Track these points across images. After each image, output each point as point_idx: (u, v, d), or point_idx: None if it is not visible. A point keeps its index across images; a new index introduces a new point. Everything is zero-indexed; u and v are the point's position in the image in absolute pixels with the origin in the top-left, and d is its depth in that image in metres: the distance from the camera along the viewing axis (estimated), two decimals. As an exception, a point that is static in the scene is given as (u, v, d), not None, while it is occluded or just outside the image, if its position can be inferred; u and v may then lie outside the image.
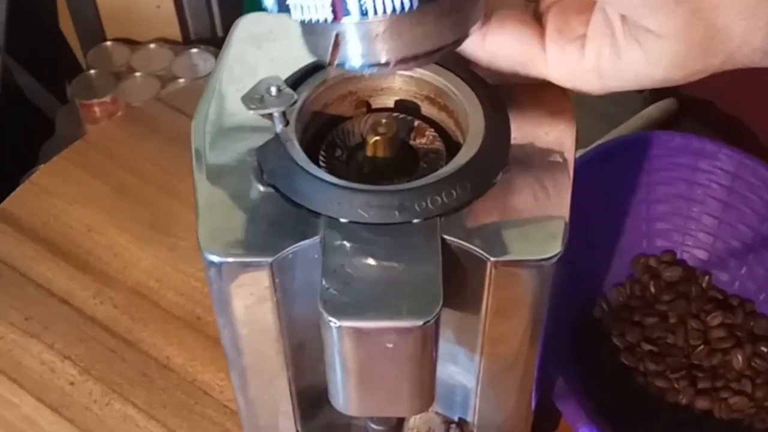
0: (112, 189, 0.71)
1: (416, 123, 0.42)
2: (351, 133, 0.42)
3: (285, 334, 0.39)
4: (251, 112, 0.38)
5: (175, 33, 1.56)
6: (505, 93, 0.40)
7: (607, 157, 0.62)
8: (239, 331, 0.39)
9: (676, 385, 0.57)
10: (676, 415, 0.56)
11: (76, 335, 0.62)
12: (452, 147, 0.41)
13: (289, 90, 0.38)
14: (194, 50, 1.51)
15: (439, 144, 0.41)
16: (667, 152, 0.62)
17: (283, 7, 0.33)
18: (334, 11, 0.31)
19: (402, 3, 0.31)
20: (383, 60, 0.34)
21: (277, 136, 0.39)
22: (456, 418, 0.45)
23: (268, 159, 0.38)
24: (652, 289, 0.62)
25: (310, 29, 0.34)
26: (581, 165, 0.60)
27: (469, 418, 0.44)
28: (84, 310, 0.64)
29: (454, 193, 0.37)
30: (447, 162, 0.39)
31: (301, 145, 0.39)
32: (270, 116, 0.39)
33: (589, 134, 0.69)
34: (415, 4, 0.32)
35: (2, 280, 0.65)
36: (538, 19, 0.37)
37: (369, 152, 0.40)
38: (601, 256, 0.64)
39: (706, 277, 0.63)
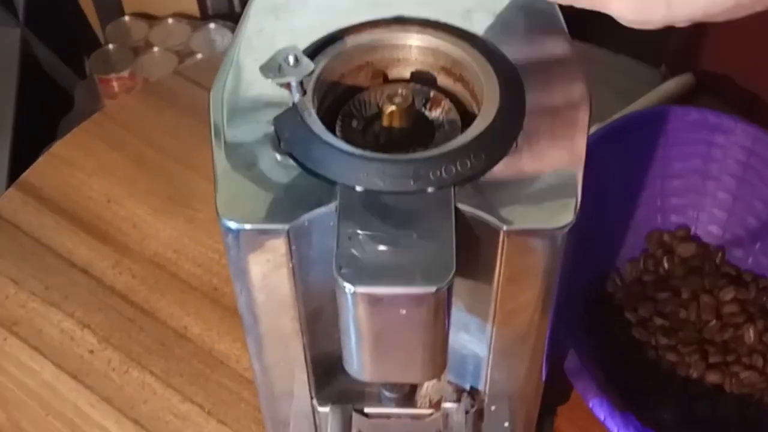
0: (131, 161, 0.72)
1: (432, 94, 0.42)
2: (367, 103, 0.42)
3: (300, 300, 0.40)
4: (269, 81, 0.39)
5: (193, 8, 1.56)
6: (521, 65, 0.40)
7: (622, 132, 0.62)
8: (256, 298, 0.40)
9: (688, 359, 0.57)
10: (686, 389, 0.56)
11: (95, 304, 0.63)
12: (468, 118, 0.41)
13: (306, 59, 0.39)
14: (212, 25, 1.51)
15: (454, 114, 0.42)
16: (683, 127, 0.62)
17: None
18: None
19: None
20: None
21: (294, 105, 0.39)
22: (467, 387, 0.45)
23: (285, 128, 0.39)
24: (666, 264, 0.63)
25: None
26: (597, 139, 0.61)
27: (480, 387, 0.45)
28: (103, 280, 0.65)
29: (469, 162, 0.37)
30: (462, 132, 0.39)
31: (318, 114, 0.39)
32: (288, 85, 0.39)
33: (605, 109, 0.69)
34: None
35: (23, 249, 0.66)
36: None
37: (385, 122, 0.40)
38: (615, 231, 0.64)
39: (720, 253, 0.63)
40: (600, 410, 0.50)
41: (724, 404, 0.56)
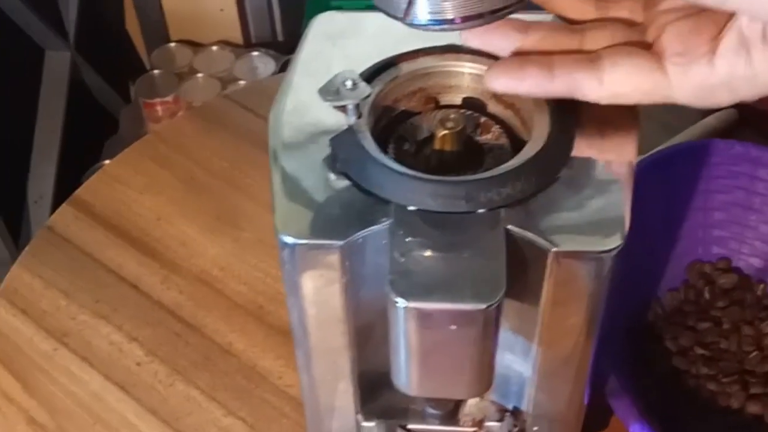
0: (180, 181, 0.74)
1: (482, 119, 0.43)
2: (420, 127, 0.43)
3: (351, 315, 0.41)
4: (326, 104, 0.40)
5: (237, 36, 1.60)
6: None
7: (665, 164, 0.63)
8: (307, 311, 0.41)
9: (728, 389, 0.57)
10: (726, 419, 0.57)
11: (143, 318, 0.65)
12: (517, 144, 0.42)
13: (363, 83, 0.40)
14: (255, 53, 1.55)
15: (504, 140, 0.43)
16: (726, 160, 0.63)
17: None
18: None
19: None
20: (450, 17, 0.35)
21: (350, 127, 0.41)
22: (510, 407, 0.46)
23: (341, 148, 0.40)
24: (707, 295, 0.63)
25: None
26: (640, 170, 0.61)
27: (523, 408, 0.46)
28: (151, 295, 0.66)
29: (519, 185, 0.38)
30: (511, 158, 0.40)
31: (372, 136, 0.41)
32: (344, 108, 0.41)
33: (648, 142, 0.69)
34: None
35: (75, 263, 0.68)
36: (645, 47, 0.38)
37: (437, 146, 0.42)
38: (657, 261, 0.65)
39: (762, 285, 0.63)
40: (640, 436, 0.50)
41: (764, 436, 0.56)
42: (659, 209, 0.63)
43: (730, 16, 0.36)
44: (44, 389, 0.61)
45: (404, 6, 0.35)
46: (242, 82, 1.51)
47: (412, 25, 0.36)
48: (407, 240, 0.37)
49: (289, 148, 0.41)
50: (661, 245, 0.64)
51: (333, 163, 0.40)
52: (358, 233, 0.38)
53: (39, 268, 0.68)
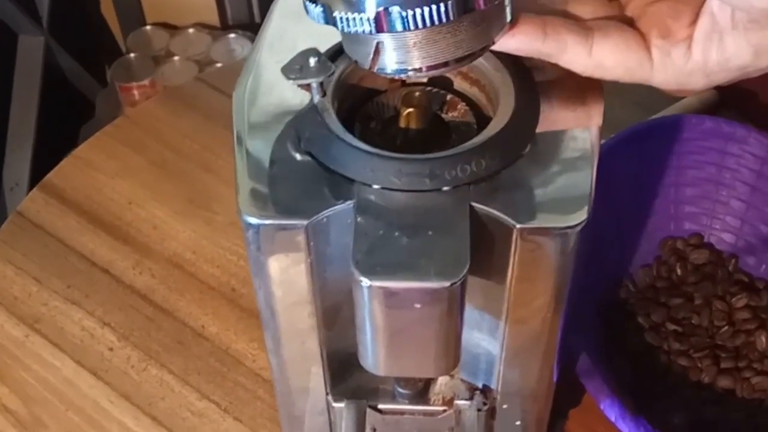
0: (152, 164, 0.73)
1: (449, 97, 0.43)
2: (385, 105, 0.43)
3: (318, 296, 0.41)
4: (290, 83, 0.40)
5: (214, 18, 1.58)
6: (536, 69, 0.41)
7: (636, 140, 0.63)
8: (274, 293, 0.41)
9: (699, 364, 0.58)
10: (698, 393, 0.57)
11: (115, 303, 0.64)
12: (483, 120, 0.42)
13: (327, 61, 0.40)
14: (232, 35, 1.53)
15: (470, 117, 0.42)
16: (697, 136, 0.63)
17: (329, 20, 0.35)
18: (377, 25, 0.33)
19: (439, 17, 0.33)
20: (417, 66, 0.36)
21: (314, 106, 0.40)
22: (480, 385, 0.46)
23: (305, 127, 0.40)
24: (679, 271, 0.63)
25: (352, 37, 0.36)
26: (611, 147, 0.61)
27: (493, 386, 0.46)
28: (123, 280, 0.66)
29: (483, 162, 0.38)
30: (477, 135, 0.40)
31: (337, 115, 0.40)
32: (308, 86, 0.40)
33: (625, 122, 0.69)
34: (451, 17, 0.33)
35: (46, 249, 0.68)
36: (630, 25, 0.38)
37: (402, 123, 0.41)
38: (628, 238, 0.65)
39: (733, 260, 0.63)
40: (611, 411, 0.50)
41: (735, 409, 0.56)
42: (631, 186, 0.63)
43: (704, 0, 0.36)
44: (16, 376, 0.61)
45: (371, 57, 0.36)
46: (219, 65, 1.50)
47: (380, 72, 0.36)
48: (371, 219, 0.37)
49: (252, 128, 0.41)
50: (632, 222, 0.65)
51: (297, 142, 0.40)
52: (323, 213, 0.38)
53: (10, 254, 0.67)
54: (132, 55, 1.51)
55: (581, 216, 0.37)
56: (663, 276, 0.63)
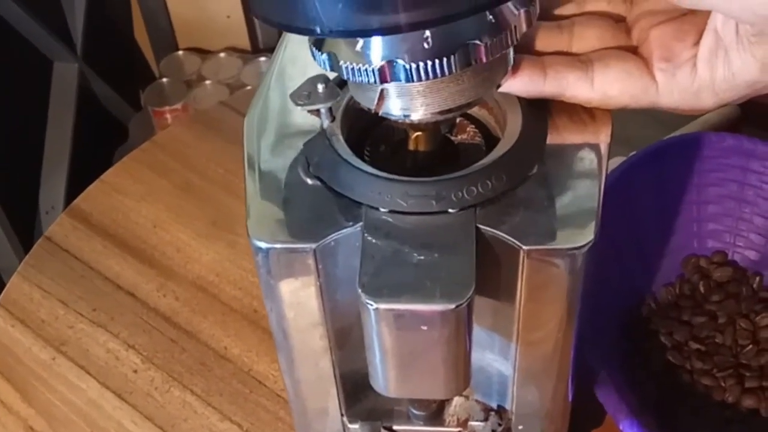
0: (177, 188, 0.74)
1: (458, 119, 0.43)
2: (394, 129, 0.43)
3: (328, 318, 0.41)
4: (299, 108, 0.41)
5: (244, 42, 1.60)
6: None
7: (657, 158, 0.62)
8: (285, 315, 0.41)
9: (723, 384, 0.57)
10: (721, 413, 0.56)
11: (140, 326, 0.65)
12: (493, 142, 0.42)
13: (335, 87, 0.40)
14: (262, 59, 1.55)
15: (479, 139, 0.43)
16: (718, 153, 0.63)
17: (335, 68, 0.36)
18: (381, 76, 0.34)
19: (442, 70, 0.34)
20: (421, 113, 0.37)
21: (323, 131, 0.41)
22: (495, 406, 0.46)
23: (314, 152, 0.40)
24: (702, 289, 0.62)
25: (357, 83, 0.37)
26: (632, 164, 0.61)
27: (507, 406, 0.46)
28: (148, 302, 0.67)
29: (490, 184, 0.38)
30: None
31: (347, 140, 0.41)
32: (317, 112, 0.41)
33: (646, 140, 0.69)
34: (453, 71, 0.34)
35: (73, 273, 0.69)
36: (632, 50, 0.39)
37: (411, 146, 0.42)
38: (650, 256, 0.64)
39: (757, 278, 0.63)
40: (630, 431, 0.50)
41: (760, 429, 0.56)
42: (652, 204, 0.63)
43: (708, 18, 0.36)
44: (42, 398, 0.62)
45: (375, 102, 0.37)
46: (249, 88, 1.52)
47: (385, 115, 0.38)
48: (378, 241, 0.37)
49: (263, 152, 0.42)
50: (654, 240, 0.64)
51: (306, 166, 0.40)
52: (331, 236, 0.38)
53: (38, 278, 0.69)
54: (165, 79, 1.54)
55: (588, 236, 0.37)
56: (686, 294, 0.63)
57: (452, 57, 0.34)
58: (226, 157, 0.76)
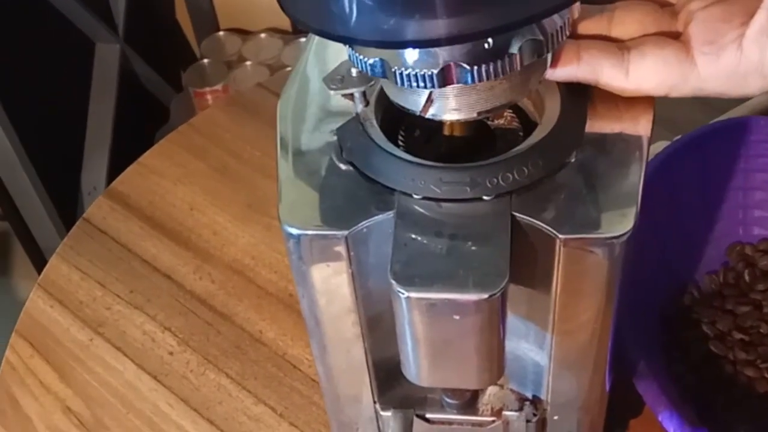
0: (214, 170, 0.74)
1: (494, 104, 0.42)
2: (430, 113, 0.42)
3: (360, 305, 0.40)
4: (332, 92, 0.40)
5: (285, 23, 1.60)
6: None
7: (701, 143, 0.61)
8: (317, 302, 0.41)
9: (766, 375, 0.55)
10: (764, 405, 0.55)
11: (176, 308, 0.65)
12: (530, 128, 0.41)
13: (369, 71, 0.40)
14: (303, 39, 1.54)
15: (516, 124, 0.42)
16: (765, 138, 0.61)
17: (387, 74, 0.35)
18: (444, 80, 0.34)
19: (500, 71, 0.34)
20: (470, 113, 0.37)
21: (356, 115, 0.40)
22: (530, 396, 0.45)
23: (347, 138, 0.40)
24: (747, 278, 0.61)
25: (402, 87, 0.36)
26: (676, 150, 0.60)
27: (542, 397, 0.45)
28: (184, 285, 0.67)
29: (526, 170, 0.37)
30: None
31: (381, 125, 0.40)
32: (351, 96, 0.40)
33: (691, 123, 0.67)
34: (517, 67, 0.34)
35: (111, 255, 0.69)
36: (674, 35, 0.37)
37: (446, 131, 0.41)
38: (694, 244, 0.63)
39: (805, 267, 0.61)
40: (669, 423, 0.49)
41: (805, 423, 0.54)
42: (696, 190, 0.61)
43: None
44: (80, 378, 0.62)
45: (422, 105, 0.36)
46: (290, 69, 1.51)
47: (432, 117, 0.37)
48: (410, 229, 0.36)
49: (296, 136, 0.41)
50: (698, 227, 0.63)
51: (339, 152, 0.40)
52: (363, 222, 0.37)
53: (76, 259, 0.69)
54: (205, 60, 1.54)
55: (628, 225, 0.36)
56: (730, 283, 0.61)
57: (513, 57, 0.33)
58: (262, 140, 0.76)
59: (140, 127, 1.50)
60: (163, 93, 1.57)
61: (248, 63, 1.54)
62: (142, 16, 1.51)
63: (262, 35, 1.58)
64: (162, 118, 1.55)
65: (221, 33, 1.60)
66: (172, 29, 1.64)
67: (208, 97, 1.52)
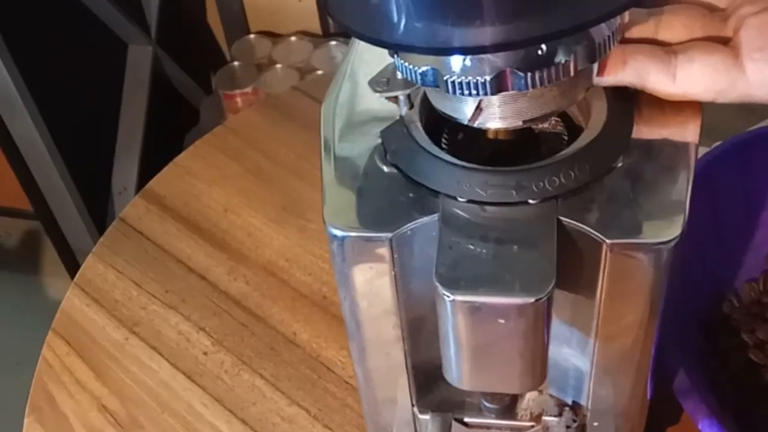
0: (249, 172, 0.75)
1: (539, 107, 0.42)
2: (474, 116, 0.42)
3: (402, 308, 0.40)
4: (377, 94, 0.40)
5: (315, 26, 1.60)
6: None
7: (743, 149, 0.60)
8: (359, 304, 0.41)
9: (807, 386, 0.55)
10: (805, 416, 0.54)
11: (210, 308, 0.66)
12: (575, 132, 0.41)
13: (414, 73, 0.39)
14: (333, 43, 1.55)
15: (561, 128, 0.42)
16: (808, 145, 0.60)
17: (440, 82, 0.34)
18: (498, 87, 0.33)
19: (553, 77, 0.33)
20: (516, 122, 0.36)
21: (401, 118, 0.40)
22: (569, 402, 0.45)
23: (392, 140, 0.40)
24: (787, 287, 0.60)
25: (449, 95, 0.36)
26: (717, 156, 0.59)
27: (582, 402, 0.44)
28: (219, 286, 0.67)
29: (572, 174, 0.37)
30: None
31: (425, 127, 0.40)
32: (395, 99, 0.40)
33: (733, 129, 0.66)
34: (561, 78, 0.34)
35: (147, 255, 0.70)
36: (723, 40, 0.37)
37: (491, 135, 0.41)
38: (733, 251, 0.62)
39: None
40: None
41: None
42: (737, 197, 0.61)
43: None
44: (115, 377, 0.62)
45: (471, 114, 0.36)
46: (320, 72, 1.51)
47: (479, 126, 0.37)
48: (455, 232, 0.36)
49: (340, 139, 0.41)
50: (738, 234, 0.62)
51: (384, 155, 0.40)
52: (407, 225, 0.37)
53: (112, 258, 0.70)
54: (236, 63, 1.55)
55: (675, 231, 0.36)
56: (770, 291, 0.61)
57: (566, 63, 0.33)
58: (297, 143, 0.76)
59: (170, 128, 1.51)
60: (193, 95, 1.58)
61: (278, 66, 1.54)
62: (173, 19, 1.52)
63: (292, 38, 1.58)
64: (192, 120, 1.56)
65: (251, 36, 1.61)
66: (203, 32, 1.65)
67: (238, 99, 1.52)
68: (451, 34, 0.31)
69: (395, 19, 0.32)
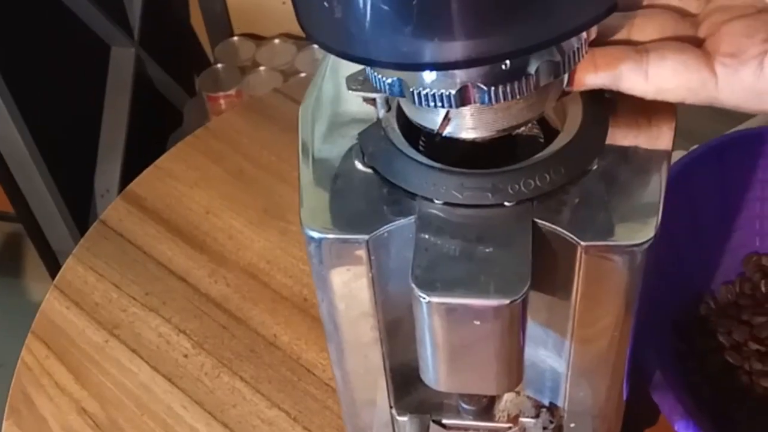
0: (230, 174, 0.75)
1: (515, 110, 0.42)
2: (451, 119, 0.43)
3: (380, 310, 0.40)
4: (356, 98, 0.40)
5: (299, 28, 1.58)
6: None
7: (719, 153, 0.61)
8: (336, 306, 0.41)
9: (783, 387, 0.55)
10: (780, 417, 0.55)
11: (191, 311, 0.66)
12: (551, 135, 0.41)
13: (391, 76, 0.40)
14: (317, 46, 1.55)
15: (537, 131, 0.42)
16: (783, 148, 0.61)
17: (406, 94, 0.35)
18: (462, 101, 0.34)
19: (517, 92, 0.34)
20: (487, 132, 0.37)
21: (379, 120, 0.40)
22: (546, 403, 0.45)
23: (369, 142, 0.40)
24: (763, 288, 0.61)
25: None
26: (693, 159, 0.60)
27: (559, 403, 0.45)
28: (199, 288, 0.67)
29: (548, 177, 0.37)
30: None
31: (403, 130, 0.40)
32: (373, 101, 0.40)
33: (709, 134, 0.67)
34: (533, 88, 0.34)
35: (126, 257, 0.70)
36: (696, 43, 0.37)
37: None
38: (710, 253, 0.63)
39: (821, 278, 0.61)
40: (685, 434, 0.49)
41: (821, 435, 0.54)
42: (714, 200, 0.61)
43: None
44: (95, 380, 0.62)
45: (439, 124, 0.37)
46: (303, 74, 1.52)
47: (449, 135, 0.37)
48: (432, 234, 0.37)
49: (317, 142, 0.41)
50: (715, 237, 0.63)
51: (361, 156, 0.40)
52: (384, 227, 0.37)
53: (92, 261, 0.70)
54: (219, 65, 1.55)
55: (649, 233, 0.36)
56: (746, 293, 0.61)
57: (530, 77, 0.33)
58: (279, 145, 0.76)
59: (154, 130, 1.50)
60: (176, 97, 1.58)
61: (262, 68, 1.54)
62: (157, 21, 1.51)
63: (276, 41, 1.58)
64: (175, 122, 1.56)
65: (235, 38, 1.61)
66: (186, 34, 1.65)
67: (222, 101, 1.52)
68: (413, 50, 0.31)
69: (359, 33, 0.32)
